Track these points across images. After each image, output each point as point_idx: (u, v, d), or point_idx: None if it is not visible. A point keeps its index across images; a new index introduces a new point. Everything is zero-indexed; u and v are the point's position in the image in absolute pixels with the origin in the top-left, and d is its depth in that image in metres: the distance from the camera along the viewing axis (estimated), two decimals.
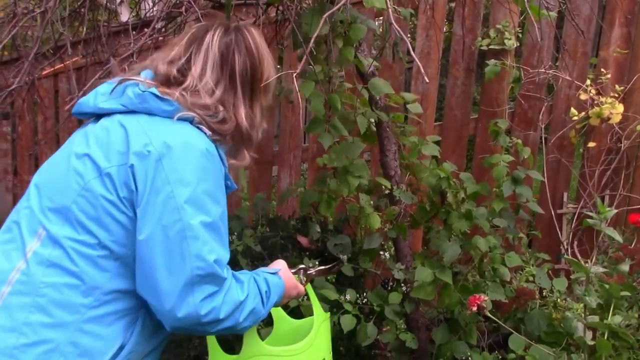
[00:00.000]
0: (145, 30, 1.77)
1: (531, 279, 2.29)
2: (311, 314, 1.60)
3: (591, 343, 1.88)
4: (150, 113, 1.28)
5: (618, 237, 1.80)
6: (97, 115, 1.33)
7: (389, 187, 2.24)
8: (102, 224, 1.20)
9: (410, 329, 2.25)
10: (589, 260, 1.91)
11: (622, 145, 2.77)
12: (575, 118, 2.73)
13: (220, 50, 1.35)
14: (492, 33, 2.84)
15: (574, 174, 2.99)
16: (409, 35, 3.94)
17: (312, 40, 1.32)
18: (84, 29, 2.01)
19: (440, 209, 2.27)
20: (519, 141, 2.36)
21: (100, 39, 2.12)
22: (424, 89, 3.01)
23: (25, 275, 1.20)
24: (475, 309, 1.82)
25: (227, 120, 1.33)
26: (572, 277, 1.99)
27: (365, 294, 2.21)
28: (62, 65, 2.37)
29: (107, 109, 1.30)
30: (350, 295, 2.14)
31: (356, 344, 2.22)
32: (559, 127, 2.91)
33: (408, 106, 2.33)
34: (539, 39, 2.14)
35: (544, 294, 2.29)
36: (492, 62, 2.51)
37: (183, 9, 1.76)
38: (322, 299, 2.10)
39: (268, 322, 1.75)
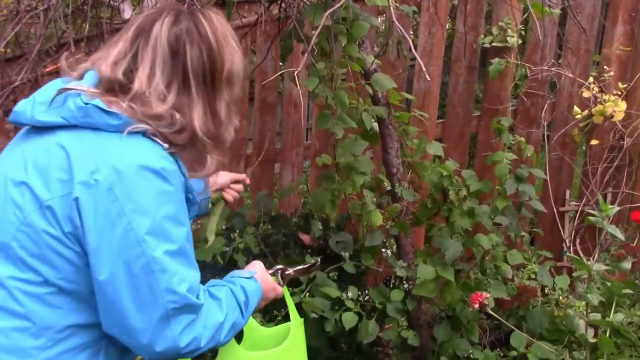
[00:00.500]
0: None
1: (533, 276, 2.29)
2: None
3: (593, 341, 1.88)
4: (95, 128, 1.11)
5: (620, 235, 1.80)
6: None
7: (391, 184, 2.24)
8: (47, 260, 1.08)
9: (412, 326, 2.25)
10: (591, 258, 1.91)
11: (625, 142, 2.77)
12: (578, 116, 2.72)
13: (170, 44, 1.16)
14: (494, 30, 2.83)
15: (576, 172, 2.99)
16: (411, 32, 3.94)
17: (315, 37, 1.31)
18: (87, 26, 2.01)
19: (442, 206, 2.27)
20: (522, 139, 2.36)
21: (103, 37, 2.12)
22: (427, 86, 3.00)
23: None
24: (477, 306, 1.82)
25: (185, 128, 1.16)
26: (574, 274, 1.99)
27: (367, 291, 2.22)
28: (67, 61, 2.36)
29: (45, 122, 1.12)
30: (352, 292, 2.14)
31: (358, 342, 2.22)
32: (561, 124, 2.91)
33: (413, 109, 2.34)
34: (542, 37, 2.14)
35: (546, 291, 2.29)
36: (495, 60, 2.51)
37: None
38: (324, 296, 2.10)
39: None
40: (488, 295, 1.86)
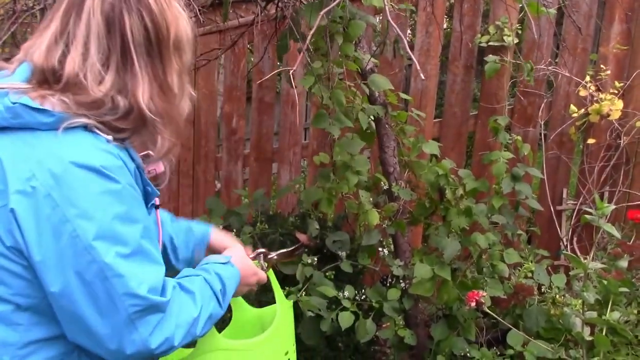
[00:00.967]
0: None
1: (530, 275, 2.29)
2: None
3: (589, 339, 1.89)
4: (29, 128, 1.01)
5: (616, 233, 1.80)
6: None
7: (388, 183, 2.24)
8: None
9: (409, 325, 2.26)
10: (588, 257, 1.91)
11: (622, 141, 2.77)
12: (575, 115, 2.73)
13: (105, 15, 1.03)
14: (491, 29, 2.84)
15: (573, 171, 2.99)
16: (409, 32, 3.94)
17: (310, 36, 1.30)
18: None
19: (439, 205, 2.27)
20: (519, 138, 2.37)
21: None
22: (424, 86, 3.01)
23: None
24: (473, 305, 1.83)
25: (131, 110, 1.05)
26: (571, 273, 2.00)
27: (364, 290, 2.22)
28: None
29: None
30: (348, 291, 2.14)
31: (355, 341, 2.22)
32: (558, 123, 2.91)
33: (411, 108, 2.34)
34: (537, 36, 2.14)
35: (542, 290, 2.29)
36: (490, 58, 2.51)
37: (182, 5, 1.76)
38: (320, 296, 2.10)
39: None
40: (485, 294, 1.86)
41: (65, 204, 0.98)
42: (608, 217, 2.58)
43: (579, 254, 2.65)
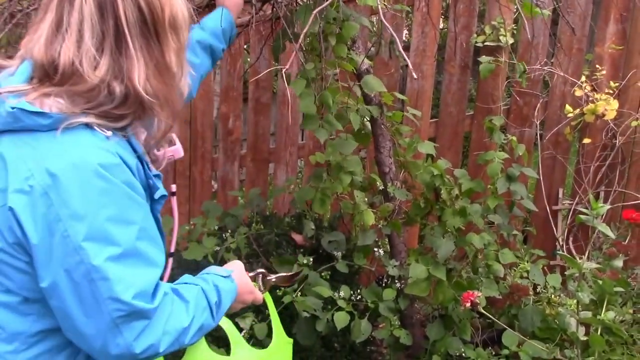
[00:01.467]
0: None
1: (525, 275, 2.29)
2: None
3: (584, 339, 1.89)
4: (30, 130, 1.03)
5: (610, 233, 1.81)
6: None
7: (383, 183, 2.24)
8: (3, 272, 1.05)
9: (405, 325, 2.26)
10: (583, 257, 1.91)
11: (617, 141, 2.78)
12: (571, 115, 2.73)
13: (97, 0, 1.03)
14: (487, 30, 2.84)
15: (569, 171, 3.00)
16: (406, 32, 3.95)
17: (303, 36, 1.30)
18: None
19: (434, 205, 2.28)
20: (514, 138, 2.37)
21: None
22: (420, 86, 3.01)
23: None
24: (469, 305, 1.83)
25: (128, 94, 1.05)
26: (566, 273, 2.00)
27: (359, 290, 2.22)
28: None
29: None
30: (344, 292, 2.15)
31: (351, 341, 2.23)
32: (554, 123, 2.92)
33: (407, 107, 2.34)
34: (531, 36, 2.14)
35: (538, 290, 2.30)
36: (484, 58, 2.51)
37: None
38: (316, 296, 2.11)
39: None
40: (480, 294, 1.87)
41: (59, 204, 0.99)
42: (603, 217, 2.61)
43: (574, 253, 2.66)
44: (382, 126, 2.25)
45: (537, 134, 2.93)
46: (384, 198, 2.30)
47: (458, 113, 3.04)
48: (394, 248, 2.33)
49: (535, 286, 2.30)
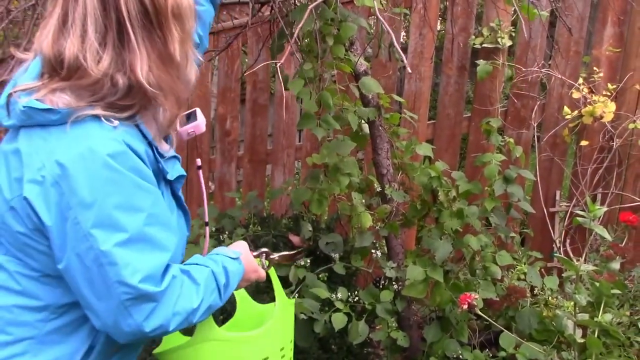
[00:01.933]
0: None
1: (523, 277, 2.29)
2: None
3: (581, 341, 1.89)
4: (43, 124, 1.09)
5: (607, 236, 1.81)
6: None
7: (381, 185, 2.24)
8: (27, 253, 1.12)
9: (402, 327, 2.26)
10: (580, 259, 1.91)
11: (615, 143, 2.78)
12: (568, 117, 2.73)
13: None
14: (485, 32, 2.84)
15: (566, 173, 3.00)
16: (404, 34, 3.95)
17: (297, 31, 1.29)
18: None
19: (432, 207, 2.28)
20: (511, 140, 2.37)
21: None
22: (418, 87, 3.01)
23: None
24: (466, 307, 1.83)
25: (131, 86, 1.08)
26: (563, 275, 2.00)
27: (357, 292, 2.22)
28: None
29: (10, 125, 1.13)
30: (341, 293, 2.14)
31: (348, 343, 2.22)
32: (551, 125, 2.92)
33: (404, 110, 2.34)
34: (529, 38, 2.14)
35: (535, 292, 2.30)
36: (481, 61, 2.52)
37: None
38: (313, 297, 2.10)
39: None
40: (477, 296, 1.87)
41: (69, 192, 1.05)
42: (601, 219, 2.60)
43: (572, 255, 2.66)
44: (380, 128, 2.25)
45: (534, 136, 2.93)
46: (381, 200, 2.30)
47: (455, 115, 3.04)
48: (391, 250, 2.32)
49: (532, 288, 2.29)
